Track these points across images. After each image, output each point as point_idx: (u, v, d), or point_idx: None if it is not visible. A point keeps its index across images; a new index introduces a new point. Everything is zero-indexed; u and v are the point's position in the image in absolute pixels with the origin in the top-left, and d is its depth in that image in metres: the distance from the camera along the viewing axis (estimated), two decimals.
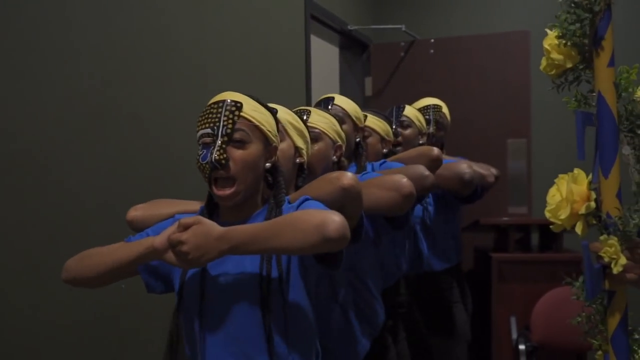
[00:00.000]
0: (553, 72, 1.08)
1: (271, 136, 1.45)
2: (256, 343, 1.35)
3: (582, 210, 1.03)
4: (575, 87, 1.06)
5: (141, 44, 2.22)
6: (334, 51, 4.34)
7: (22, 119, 1.76)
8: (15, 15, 1.76)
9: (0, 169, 1.69)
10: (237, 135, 1.38)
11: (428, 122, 2.93)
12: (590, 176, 1.06)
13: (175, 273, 1.46)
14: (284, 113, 1.67)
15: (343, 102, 2.18)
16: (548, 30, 1.07)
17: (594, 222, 1.06)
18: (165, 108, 2.32)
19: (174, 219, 1.49)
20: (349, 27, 4.10)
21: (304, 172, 1.70)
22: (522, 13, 4.41)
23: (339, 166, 1.91)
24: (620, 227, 1.03)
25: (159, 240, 1.26)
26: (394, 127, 2.64)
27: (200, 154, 1.38)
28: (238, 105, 1.40)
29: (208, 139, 1.38)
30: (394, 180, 1.68)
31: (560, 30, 1.02)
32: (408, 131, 2.77)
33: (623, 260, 1.01)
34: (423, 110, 2.97)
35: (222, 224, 1.27)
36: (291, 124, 1.68)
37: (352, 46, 4.39)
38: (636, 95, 1.01)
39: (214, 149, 1.36)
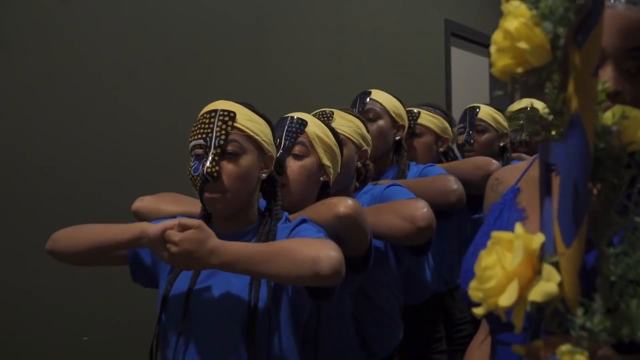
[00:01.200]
0: (518, 70, 0.62)
1: (266, 146, 1.39)
2: None
3: (534, 296, 0.62)
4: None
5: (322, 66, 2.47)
6: (483, 62, 4.58)
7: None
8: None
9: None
10: (230, 147, 1.33)
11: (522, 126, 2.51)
12: (541, 238, 0.64)
13: (163, 277, 1.40)
14: (314, 126, 1.59)
15: (381, 96, 2.07)
16: (513, 4, 0.63)
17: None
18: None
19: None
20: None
21: (327, 190, 1.60)
22: None
23: (365, 171, 1.81)
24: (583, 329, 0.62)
25: (153, 229, 1.22)
26: (467, 131, 2.40)
27: (192, 166, 1.34)
28: (231, 115, 1.35)
29: (200, 151, 1.33)
30: (412, 208, 1.55)
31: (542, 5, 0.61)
32: (484, 137, 2.44)
33: None
34: (518, 111, 2.53)
35: (217, 234, 1.23)
36: (320, 138, 1.58)
37: None
38: (606, 121, 0.64)
39: (206, 161, 1.31)
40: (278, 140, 1.53)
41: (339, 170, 1.63)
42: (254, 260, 1.19)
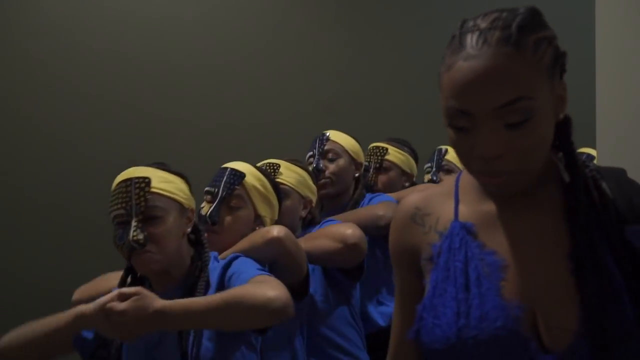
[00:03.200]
0: None
1: (186, 202, 1.46)
2: None
3: None
4: None
5: None
6: None
7: None
8: None
9: None
10: (151, 212, 1.37)
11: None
12: None
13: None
14: (251, 178, 1.68)
15: (339, 137, 2.20)
16: None
17: None
18: None
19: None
20: None
21: None
22: None
23: (311, 218, 1.92)
24: None
25: (89, 308, 1.22)
26: (434, 171, 2.54)
27: (117, 235, 1.37)
28: (146, 181, 1.39)
29: (122, 219, 1.38)
30: (342, 229, 1.68)
31: None
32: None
33: None
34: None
35: (157, 293, 1.25)
36: (256, 189, 1.69)
37: None
38: None
39: (129, 229, 1.35)
40: (215, 189, 1.65)
41: (276, 217, 1.73)
42: (205, 315, 1.22)
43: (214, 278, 1.40)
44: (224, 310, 1.22)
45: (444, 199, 0.97)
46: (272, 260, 1.50)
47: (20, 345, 1.31)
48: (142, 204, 1.36)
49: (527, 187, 0.89)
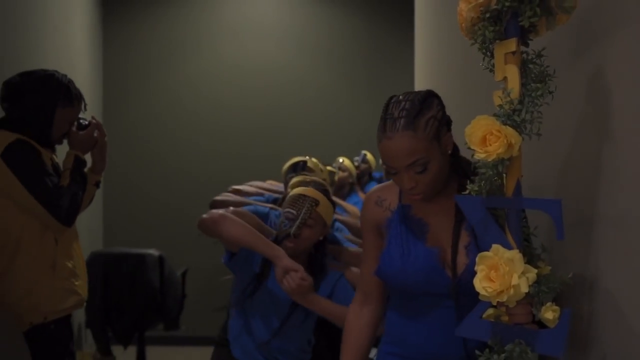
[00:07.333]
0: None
1: (328, 222, 2.23)
2: None
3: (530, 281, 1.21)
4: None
5: None
6: None
7: None
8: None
9: None
10: (309, 221, 2.16)
11: None
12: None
13: (252, 264, 2.20)
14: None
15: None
16: None
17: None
18: None
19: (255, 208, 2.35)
20: None
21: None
22: None
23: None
24: None
25: (284, 262, 2.03)
26: None
27: (284, 222, 2.16)
28: (316, 202, 2.16)
29: (291, 216, 2.13)
30: None
31: None
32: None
33: None
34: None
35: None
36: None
37: None
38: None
39: (293, 225, 2.12)
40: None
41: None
42: (323, 312, 2.08)
43: (330, 280, 2.21)
44: (334, 316, 2.05)
45: (395, 190, 1.58)
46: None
47: (226, 234, 2.09)
48: (308, 214, 2.11)
49: (437, 192, 1.50)
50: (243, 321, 2.21)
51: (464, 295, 1.41)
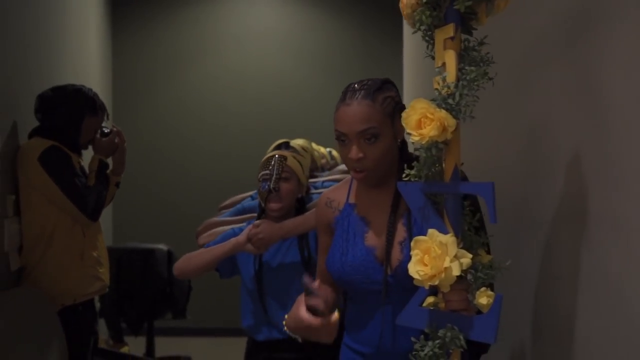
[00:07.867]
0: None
1: (302, 176, 2.25)
2: None
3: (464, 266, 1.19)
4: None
5: None
6: None
7: None
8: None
9: None
10: (284, 174, 2.17)
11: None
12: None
13: (243, 263, 2.24)
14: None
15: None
16: None
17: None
18: None
19: (233, 230, 2.26)
20: None
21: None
22: None
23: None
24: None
25: (240, 237, 2.10)
26: None
27: (261, 185, 2.18)
28: (284, 158, 2.21)
29: (266, 177, 2.17)
30: None
31: None
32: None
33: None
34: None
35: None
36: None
37: None
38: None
39: (270, 182, 2.15)
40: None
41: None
42: (302, 225, 2.10)
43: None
44: (307, 223, 2.09)
45: (343, 191, 1.60)
46: None
47: (193, 269, 2.17)
48: (280, 169, 2.14)
49: (379, 182, 1.51)
50: (258, 306, 2.21)
51: (403, 290, 1.41)
